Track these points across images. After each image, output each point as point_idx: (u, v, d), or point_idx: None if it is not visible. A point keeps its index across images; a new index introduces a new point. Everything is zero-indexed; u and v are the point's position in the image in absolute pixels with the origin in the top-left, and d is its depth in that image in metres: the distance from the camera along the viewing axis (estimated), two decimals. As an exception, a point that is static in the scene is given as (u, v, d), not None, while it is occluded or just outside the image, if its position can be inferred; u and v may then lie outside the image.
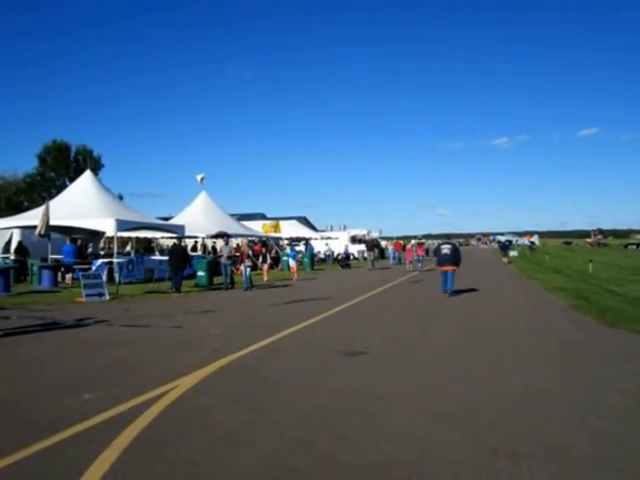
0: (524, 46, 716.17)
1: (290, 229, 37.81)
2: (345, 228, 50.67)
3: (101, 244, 26.10)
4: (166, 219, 27.38)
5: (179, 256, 15.71)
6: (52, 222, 16.14)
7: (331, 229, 50.80)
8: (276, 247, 31.47)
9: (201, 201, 26.94)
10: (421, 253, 27.63)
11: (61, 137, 50.29)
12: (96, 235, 21.46)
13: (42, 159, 48.98)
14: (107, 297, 13.37)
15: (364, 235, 48.95)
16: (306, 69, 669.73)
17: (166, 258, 17.79)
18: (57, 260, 17.88)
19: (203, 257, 21.69)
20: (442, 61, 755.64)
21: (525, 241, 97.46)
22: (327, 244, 38.40)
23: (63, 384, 5.32)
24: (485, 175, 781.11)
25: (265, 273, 20.40)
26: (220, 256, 20.24)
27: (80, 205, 18.30)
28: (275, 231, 32.75)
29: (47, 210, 15.95)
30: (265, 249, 26.30)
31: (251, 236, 28.05)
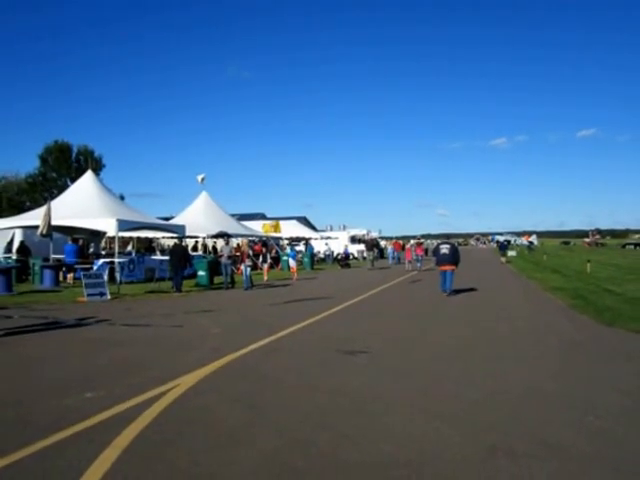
0: (524, 46, 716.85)
1: (290, 229, 37.85)
2: (345, 228, 50.73)
3: (102, 244, 26.14)
4: (167, 219, 27.40)
5: (180, 256, 15.74)
6: (54, 222, 16.18)
7: (331, 229, 50.85)
8: (276, 247, 31.49)
9: (202, 201, 26.97)
10: (420, 253, 27.71)
11: (62, 137, 50.51)
12: (97, 235, 21.50)
13: (44, 159, 48.96)
14: (108, 297, 13.40)
15: (364, 235, 49.04)
16: (306, 69, 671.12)
17: (167, 258, 17.84)
18: (59, 260, 17.91)
19: (204, 257, 21.69)
20: (442, 61, 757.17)
21: (524, 241, 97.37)
22: (327, 244, 38.42)
23: (64, 383, 5.34)
24: (484, 175, 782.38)
25: (265, 273, 20.42)
26: (220, 256, 20.27)
27: (81, 205, 18.32)
28: (275, 231, 32.78)
29: (49, 210, 16.00)
30: (265, 249, 26.32)
31: (251, 236, 28.07)
